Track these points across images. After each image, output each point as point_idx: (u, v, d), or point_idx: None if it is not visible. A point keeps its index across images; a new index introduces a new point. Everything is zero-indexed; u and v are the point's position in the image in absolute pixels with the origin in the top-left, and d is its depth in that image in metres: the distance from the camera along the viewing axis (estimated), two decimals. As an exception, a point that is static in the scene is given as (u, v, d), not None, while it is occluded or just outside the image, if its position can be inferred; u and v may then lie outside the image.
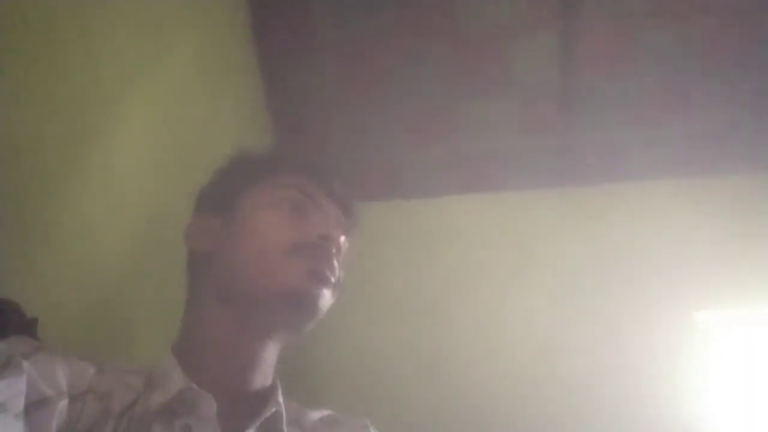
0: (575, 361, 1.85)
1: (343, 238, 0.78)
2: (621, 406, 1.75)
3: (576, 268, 2.00)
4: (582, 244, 2.04)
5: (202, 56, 1.55)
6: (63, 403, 0.60)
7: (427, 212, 2.16)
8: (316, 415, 0.79)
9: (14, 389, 0.54)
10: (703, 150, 2.10)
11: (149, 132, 1.24)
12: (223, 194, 0.81)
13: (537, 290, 1.98)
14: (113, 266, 1.07)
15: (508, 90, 2.04)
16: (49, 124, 0.93)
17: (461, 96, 2.06)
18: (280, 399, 0.74)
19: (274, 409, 0.71)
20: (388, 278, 2.05)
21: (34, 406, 0.56)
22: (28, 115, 0.88)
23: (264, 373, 0.76)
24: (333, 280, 0.75)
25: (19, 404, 0.55)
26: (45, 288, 0.87)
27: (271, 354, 0.77)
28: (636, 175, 2.14)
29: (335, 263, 0.76)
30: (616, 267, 1.99)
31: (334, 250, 0.76)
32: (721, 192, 2.05)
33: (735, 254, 1.95)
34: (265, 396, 0.74)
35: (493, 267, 2.04)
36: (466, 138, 2.13)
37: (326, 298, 0.74)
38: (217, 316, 0.74)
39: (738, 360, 1.85)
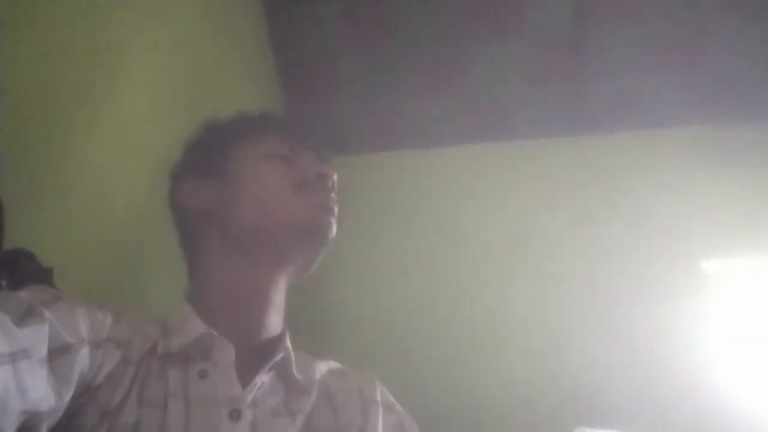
0: (581, 309, 1.86)
1: (336, 176, 0.83)
2: (627, 355, 1.77)
3: (585, 216, 1.99)
4: (592, 192, 2.03)
5: (209, 7, 1.53)
6: (84, 350, 0.61)
7: (436, 163, 2.14)
8: (324, 366, 0.82)
9: (37, 336, 0.55)
10: (716, 98, 2.06)
11: (158, 81, 1.24)
12: (210, 157, 0.84)
13: (546, 239, 1.98)
14: (125, 214, 1.07)
15: (520, 36, 1.99)
16: (58, 73, 0.92)
17: (471, 44, 2.01)
18: (289, 344, 0.77)
19: (282, 354, 0.74)
20: (396, 229, 2.05)
21: (57, 353, 0.57)
22: (37, 65, 0.87)
23: (276, 318, 0.79)
24: (336, 211, 0.80)
25: (43, 350, 0.55)
26: (58, 237, 0.88)
27: (280, 296, 0.80)
28: (647, 123, 2.10)
29: (334, 196, 0.81)
30: (626, 215, 1.98)
31: (331, 185, 0.82)
32: (734, 141, 2.02)
33: (744, 203, 1.94)
34: (275, 342, 0.76)
35: (504, 216, 2.04)
36: (475, 87, 2.09)
37: (333, 227, 0.79)
38: (226, 264, 0.77)
39: (745, 309, 1.86)
